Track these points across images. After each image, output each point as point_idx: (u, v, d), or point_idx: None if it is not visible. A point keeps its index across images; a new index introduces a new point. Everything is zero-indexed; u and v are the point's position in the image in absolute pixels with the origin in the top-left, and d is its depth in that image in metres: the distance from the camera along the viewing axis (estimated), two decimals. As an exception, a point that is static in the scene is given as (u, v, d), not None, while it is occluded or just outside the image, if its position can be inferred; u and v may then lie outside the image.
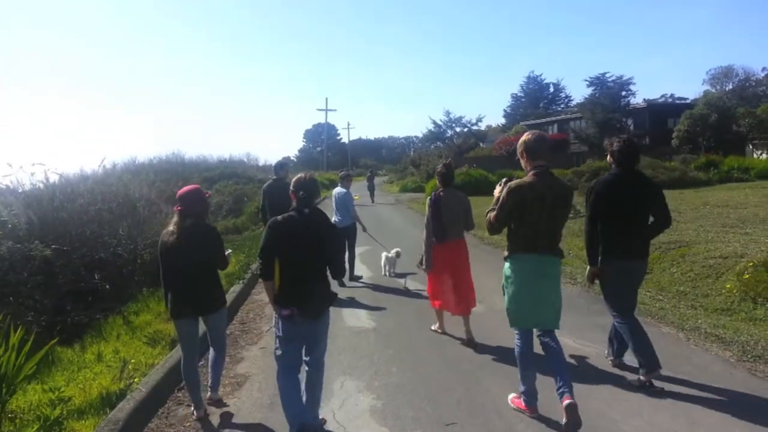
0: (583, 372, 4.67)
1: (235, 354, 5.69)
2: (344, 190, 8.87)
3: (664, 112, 40.00)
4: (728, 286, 6.95)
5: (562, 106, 62.98)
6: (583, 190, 16.18)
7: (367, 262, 10.65)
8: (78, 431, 3.83)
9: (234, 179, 27.66)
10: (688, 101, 41.26)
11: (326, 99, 76.02)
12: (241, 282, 8.68)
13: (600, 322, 6.07)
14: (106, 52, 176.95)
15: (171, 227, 4.21)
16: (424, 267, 5.86)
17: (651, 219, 4.57)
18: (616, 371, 4.68)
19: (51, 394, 4.35)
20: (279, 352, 3.80)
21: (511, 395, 4.15)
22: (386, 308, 7.21)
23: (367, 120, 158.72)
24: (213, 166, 32.19)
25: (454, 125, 54.38)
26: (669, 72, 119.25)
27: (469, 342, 5.58)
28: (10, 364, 4.23)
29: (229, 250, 4.79)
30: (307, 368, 3.87)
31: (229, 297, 7.69)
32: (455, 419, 3.88)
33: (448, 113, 54.18)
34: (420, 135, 64.74)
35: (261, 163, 42.61)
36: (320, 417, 3.95)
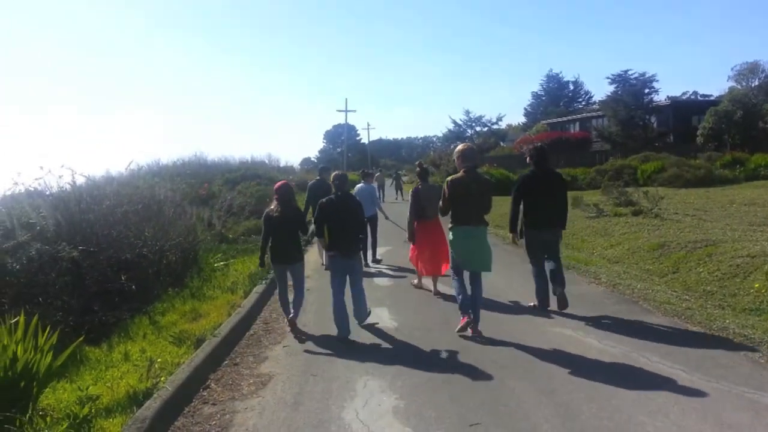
0: (609, 373, 4.62)
1: (259, 353, 5.74)
2: (366, 185, 10.68)
3: (688, 109, 39.35)
4: (756, 285, 6.82)
5: (582, 103, 62.32)
6: (607, 189, 15.94)
7: (388, 261, 10.67)
8: (106, 429, 3.88)
9: (256, 180, 27.79)
10: (712, 98, 40.46)
11: (346, 100, 76.27)
12: (263, 282, 8.73)
13: (626, 322, 6.01)
14: (130, 56, 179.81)
15: (273, 207, 6.45)
16: (408, 240, 8.05)
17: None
18: (643, 372, 4.62)
19: (80, 392, 4.43)
20: (332, 282, 6.21)
21: (462, 318, 5.89)
22: (408, 308, 7.21)
23: (387, 120, 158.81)
24: (235, 167, 32.42)
25: (474, 124, 54.28)
26: (693, 69, 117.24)
27: (436, 294, 7.69)
28: (42, 363, 4.33)
29: (311, 221, 6.98)
30: (351, 292, 6.23)
31: (252, 297, 7.78)
32: (479, 420, 3.86)
33: (467, 112, 54.17)
34: (440, 135, 64.59)
35: (282, 164, 42.90)
36: (368, 310, 6.46)
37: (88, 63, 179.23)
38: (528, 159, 6.71)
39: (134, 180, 15.94)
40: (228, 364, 5.46)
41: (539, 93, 65.74)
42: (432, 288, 7.82)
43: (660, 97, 39.88)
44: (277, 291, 6.92)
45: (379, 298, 7.79)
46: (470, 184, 5.89)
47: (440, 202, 6.21)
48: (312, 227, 6.38)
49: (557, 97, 63.80)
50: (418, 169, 8.42)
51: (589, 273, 8.58)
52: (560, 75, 64.91)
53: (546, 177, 6.51)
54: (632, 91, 38.64)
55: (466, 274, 6.04)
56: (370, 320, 6.45)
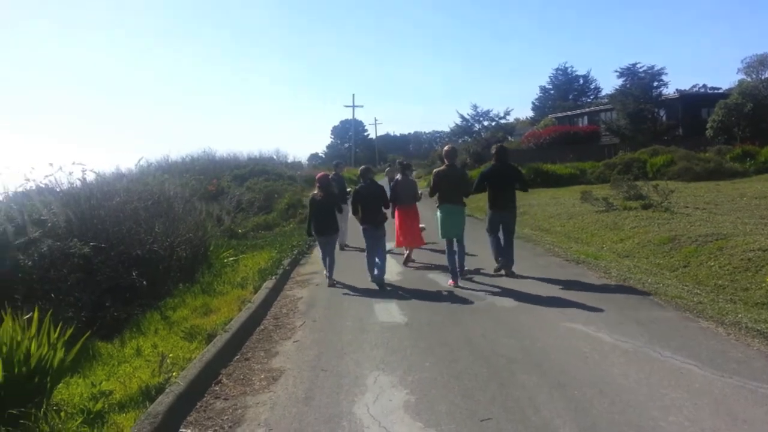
0: (621, 367, 4.61)
1: (270, 348, 5.76)
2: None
3: (697, 102, 38.93)
4: (769, 279, 6.77)
5: (591, 97, 61.84)
6: (616, 183, 15.85)
7: (396, 257, 10.66)
8: (119, 424, 3.90)
9: (264, 176, 27.83)
10: (722, 91, 40.03)
11: (353, 95, 76.32)
12: (273, 278, 8.76)
13: (637, 316, 5.98)
14: (134, 53, 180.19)
15: (316, 192, 8.86)
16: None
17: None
18: (655, 367, 4.60)
19: (93, 388, 4.47)
20: (367, 246, 8.62)
21: (448, 281, 8.08)
22: (417, 303, 7.22)
23: (394, 116, 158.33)
24: (243, 163, 32.45)
25: (481, 119, 53.89)
26: (702, 62, 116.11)
27: (406, 260, 9.97)
28: (55, 358, 4.37)
29: (348, 199, 10.28)
30: (378, 254, 8.52)
31: (262, 293, 7.80)
32: (490, 415, 3.86)
33: (475, 107, 53.70)
34: (447, 130, 64.23)
35: (290, 159, 42.88)
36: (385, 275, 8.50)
37: (94, 59, 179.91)
38: (494, 157, 8.86)
39: (144, 176, 16.03)
40: (239, 359, 5.49)
41: (547, 87, 65.38)
42: (411, 260, 10.00)
43: (669, 91, 39.51)
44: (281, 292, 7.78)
45: (388, 293, 7.80)
46: (450, 174, 8.32)
47: (429, 189, 8.87)
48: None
49: (566, 90, 63.39)
50: (398, 165, 10.74)
51: (599, 267, 8.55)
52: (571, 69, 64.48)
53: (506, 169, 8.58)
54: (641, 85, 38.30)
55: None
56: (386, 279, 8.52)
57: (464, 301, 7.16)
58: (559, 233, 12.39)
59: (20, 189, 8.95)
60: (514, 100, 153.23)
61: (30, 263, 6.60)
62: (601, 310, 6.29)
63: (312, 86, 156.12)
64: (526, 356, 4.98)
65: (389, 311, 6.87)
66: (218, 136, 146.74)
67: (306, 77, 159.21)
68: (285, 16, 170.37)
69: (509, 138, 48.44)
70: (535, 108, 64.52)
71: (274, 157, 40.11)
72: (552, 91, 64.25)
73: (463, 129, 54.80)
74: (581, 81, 65.13)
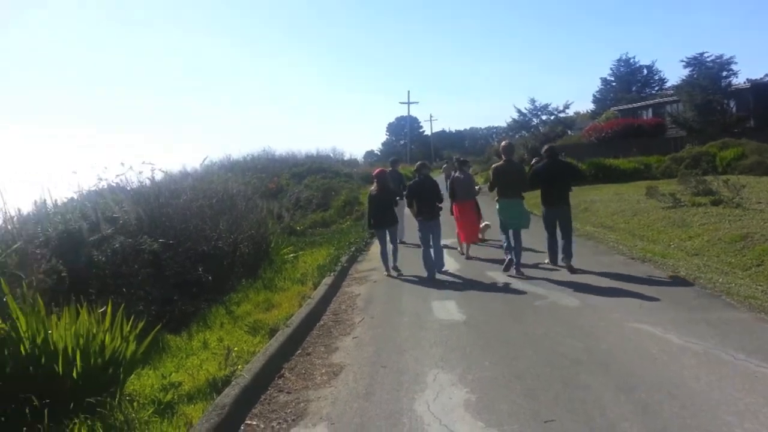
0: (691, 370, 4.42)
1: (330, 344, 5.85)
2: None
3: (770, 92, 36.84)
4: None
5: (656, 89, 59.40)
6: (684, 178, 15.26)
7: (454, 254, 10.61)
8: (188, 415, 4.04)
9: (321, 174, 28.28)
10: (798, 79, 37.73)
11: (408, 92, 76.42)
12: (331, 274, 8.88)
13: (707, 317, 5.73)
14: (195, 55, 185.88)
15: (373, 188, 9.36)
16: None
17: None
18: (728, 370, 4.39)
19: (163, 379, 4.67)
20: (421, 238, 8.95)
21: (511, 267, 8.43)
22: (476, 301, 7.16)
23: (449, 111, 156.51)
24: (301, 161, 33.03)
25: (539, 113, 52.73)
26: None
27: (464, 254, 10.34)
28: (127, 350, 4.58)
29: (398, 198, 10.64)
30: (432, 246, 8.92)
31: (321, 289, 7.92)
32: (554, 416, 3.78)
33: (533, 101, 52.53)
34: (504, 125, 63.22)
35: (346, 157, 43.28)
36: (444, 268, 9.03)
37: (157, 63, 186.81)
38: (545, 154, 9.05)
39: (208, 175, 16.54)
40: (300, 353, 5.60)
41: (609, 79, 63.21)
42: (466, 252, 10.36)
43: (739, 80, 37.48)
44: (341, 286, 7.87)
45: (446, 291, 7.78)
46: (508, 169, 8.64)
47: (489, 183, 9.42)
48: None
49: (628, 82, 61.15)
50: (455, 163, 11.58)
51: (667, 266, 8.24)
52: (634, 59, 62.21)
53: (557, 166, 8.83)
54: (709, 75, 36.52)
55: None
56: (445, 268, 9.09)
57: (524, 298, 7.05)
58: (623, 230, 12.00)
59: (93, 188, 9.42)
60: (574, 93, 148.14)
61: (103, 259, 6.92)
62: (669, 310, 6.06)
63: (368, 84, 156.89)
64: (591, 357, 4.86)
65: (447, 309, 6.84)
66: (277, 134, 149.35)
67: (362, 74, 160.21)
68: (341, 13, 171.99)
69: (569, 132, 47.22)
70: (596, 101, 62.53)
71: (331, 155, 40.64)
72: (614, 83, 62.10)
73: (521, 124, 53.80)
74: (645, 72, 62.64)
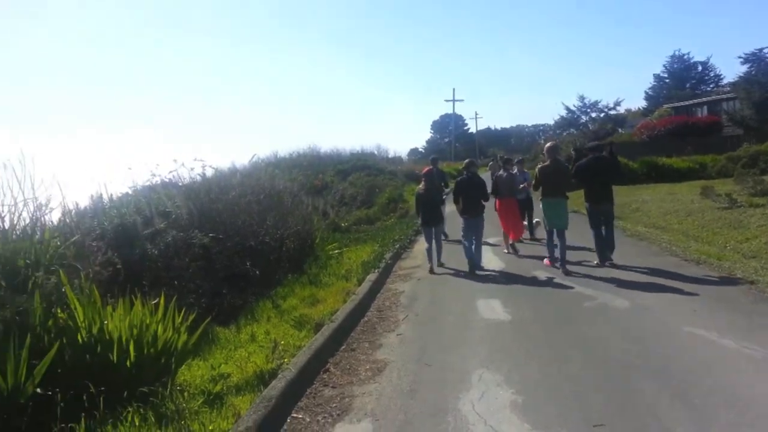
0: (749, 376, 4.24)
1: (374, 340, 5.87)
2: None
3: (837, 88, 34.96)
4: None
5: (711, 86, 57.21)
6: (741, 178, 14.70)
7: (499, 253, 10.49)
8: (236, 406, 4.11)
9: (366, 171, 28.42)
10: None
11: (453, 89, 74.89)
12: (375, 271, 8.91)
13: (765, 322, 5.49)
14: (243, 58, 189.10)
15: (421, 186, 9.70)
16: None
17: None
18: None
19: (212, 370, 4.78)
20: (464, 235, 9.19)
21: (545, 260, 9.07)
22: (522, 300, 7.05)
23: (494, 109, 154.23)
24: (346, 158, 33.29)
25: (589, 110, 51.59)
26: None
27: (509, 250, 10.44)
28: (179, 341, 4.71)
29: (444, 197, 10.83)
30: (474, 242, 9.10)
31: (365, 285, 7.96)
32: (603, 420, 3.68)
33: (582, 98, 51.43)
34: (551, 122, 62.08)
35: (390, 154, 43.33)
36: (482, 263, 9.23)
37: (205, 66, 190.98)
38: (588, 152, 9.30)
39: (256, 172, 16.82)
40: (345, 349, 5.64)
41: (662, 75, 61.25)
42: (513, 250, 10.43)
43: (800, 77, 35.77)
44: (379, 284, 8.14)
45: (491, 290, 7.70)
46: (554, 168, 8.77)
47: (532, 182, 10.01)
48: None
49: (682, 79, 59.06)
50: (501, 162, 11.71)
51: (722, 268, 7.93)
52: (686, 55, 60.10)
53: (601, 162, 8.79)
54: (768, 71, 35.00)
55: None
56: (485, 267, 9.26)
57: (573, 298, 6.91)
58: (677, 231, 11.61)
59: (147, 183, 9.72)
60: (625, 90, 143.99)
61: (156, 252, 7.13)
62: (724, 314, 5.83)
63: (412, 81, 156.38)
64: (644, 361, 4.71)
65: (492, 308, 6.77)
66: (322, 132, 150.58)
67: (407, 72, 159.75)
68: (386, 13, 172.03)
69: (619, 130, 45.98)
70: (648, 98, 60.68)
71: (375, 152, 40.77)
72: (667, 80, 60.10)
73: (569, 121, 52.75)
74: (699, 68, 60.37)
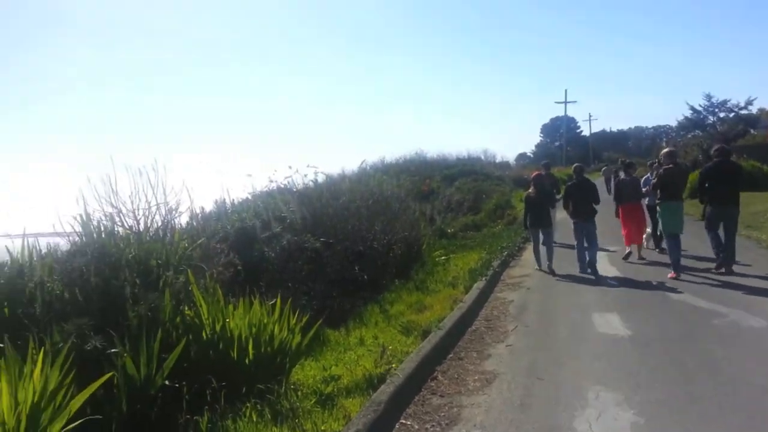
0: None
1: (482, 350, 5.77)
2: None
3: None
4: None
5: None
6: None
7: (616, 263, 9.98)
8: (346, 408, 4.18)
9: (472, 176, 28.13)
10: None
11: (565, 91, 72.88)
12: (483, 279, 8.77)
13: None
14: (355, 65, 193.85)
15: (530, 190, 9.96)
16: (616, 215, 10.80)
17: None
18: None
19: (324, 372, 4.92)
20: (576, 239, 9.55)
21: (669, 274, 8.53)
22: (643, 313, 6.65)
23: (610, 110, 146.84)
24: (452, 163, 33.11)
25: (716, 110, 47.77)
26: None
27: (639, 258, 10.20)
28: (293, 341, 4.90)
29: (555, 204, 11.25)
30: (588, 245, 9.31)
31: (473, 293, 7.86)
32: (735, 449, 3.39)
33: (709, 97, 47.67)
34: (674, 123, 58.18)
35: (498, 159, 42.59)
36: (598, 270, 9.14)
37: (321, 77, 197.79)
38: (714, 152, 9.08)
39: (364, 177, 17.21)
40: (452, 357, 5.59)
41: (804, 70, 55.51)
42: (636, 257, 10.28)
43: None
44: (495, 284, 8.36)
45: (608, 301, 7.33)
46: (676, 173, 8.76)
47: (651, 186, 9.75)
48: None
49: (830, 73, 53.19)
50: (621, 164, 11.93)
51: None
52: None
53: (726, 166, 8.64)
54: None
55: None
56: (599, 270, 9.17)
57: (700, 314, 6.42)
58: (822, 244, 10.47)
59: (264, 189, 10.25)
60: (758, 87, 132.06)
61: (273, 255, 7.49)
62: None
63: (521, 84, 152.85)
64: (780, 388, 4.28)
65: (609, 321, 6.43)
66: (429, 137, 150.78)
67: (514, 75, 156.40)
68: (494, 14, 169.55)
69: (751, 131, 42.19)
70: (786, 96, 55.26)
71: (482, 157, 40.13)
72: (810, 75, 54.39)
73: (694, 122, 49.11)
74: None
